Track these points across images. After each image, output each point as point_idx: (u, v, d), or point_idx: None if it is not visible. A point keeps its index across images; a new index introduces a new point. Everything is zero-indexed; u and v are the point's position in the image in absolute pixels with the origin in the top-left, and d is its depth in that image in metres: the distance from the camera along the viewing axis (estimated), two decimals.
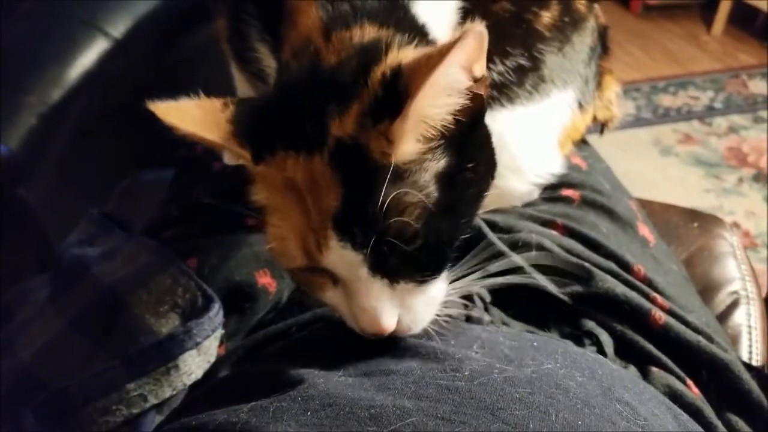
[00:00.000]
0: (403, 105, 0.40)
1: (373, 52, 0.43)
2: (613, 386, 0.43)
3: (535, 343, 0.46)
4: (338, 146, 0.41)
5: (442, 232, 0.44)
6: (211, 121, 0.42)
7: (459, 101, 0.42)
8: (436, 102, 0.41)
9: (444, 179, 0.43)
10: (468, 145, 0.44)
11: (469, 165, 0.45)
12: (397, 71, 0.41)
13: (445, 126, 0.43)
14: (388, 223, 0.41)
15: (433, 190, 0.42)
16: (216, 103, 0.43)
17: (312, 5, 0.48)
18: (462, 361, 0.42)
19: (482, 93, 0.44)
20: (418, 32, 0.48)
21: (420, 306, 0.45)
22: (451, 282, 0.49)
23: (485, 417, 0.36)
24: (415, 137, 0.42)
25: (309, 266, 0.44)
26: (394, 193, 0.41)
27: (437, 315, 0.47)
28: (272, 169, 0.43)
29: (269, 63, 0.59)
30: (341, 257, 0.42)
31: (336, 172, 0.41)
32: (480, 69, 0.42)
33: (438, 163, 0.43)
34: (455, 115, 0.43)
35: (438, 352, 0.44)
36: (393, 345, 0.45)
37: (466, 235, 0.47)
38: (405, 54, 0.43)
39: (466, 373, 0.40)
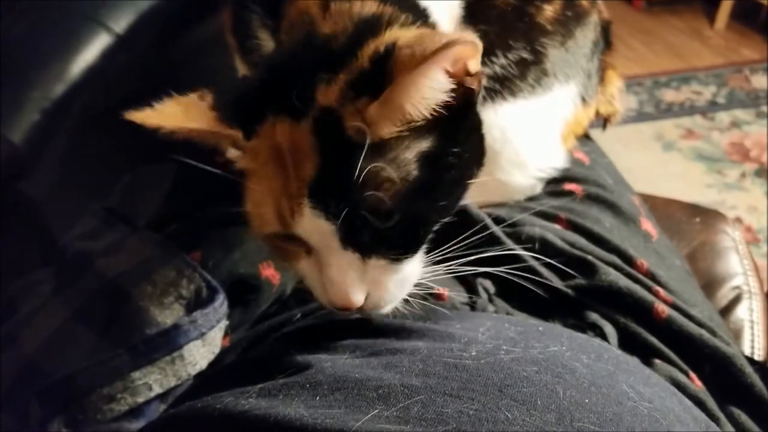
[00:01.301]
0: (384, 88, 0.40)
1: (373, 26, 0.43)
2: (619, 369, 0.43)
3: (540, 328, 0.46)
4: (322, 115, 0.42)
5: (417, 213, 0.43)
6: (193, 113, 0.43)
7: (440, 97, 0.42)
8: (415, 96, 0.41)
9: (426, 160, 0.43)
10: (455, 130, 0.44)
11: (454, 150, 0.44)
12: (390, 49, 0.41)
13: (427, 113, 0.42)
14: (363, 196, 0.41)
15: (412, 169, 0.42)
16: (192, 97, 0.44)
17: None
18: (468, 343, 0.42)
19: (474, 87, 0.44)
20: (419, 15, 0.47)
21: (390, 284, 0.45)
22: (437, 263, 0.48)
23: (493, 393, 0.36)
24: (391, 121, 0.42)
25: (282, 233, 0.44)
26: (369, 167, 0.41)
27: (409, 296, 0.47)
28: (261, 137, 0.44)
29: (270, 48, 0.59)
30: (314, 226, 0.42)
31: (317, 141, 0.41)
32: (474, 66, 0.42)
33: (420, 144, 0.43)
34: (439, 105, 0.43)
35: (444, 333, 0.44)
36: (398, 327, 0.45)
37: (446, 220, 0.47)
38: (404, 33, 0.42)
39: (473, 353, 0.40)
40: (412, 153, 0.42)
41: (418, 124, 0.42)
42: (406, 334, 0.45)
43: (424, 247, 0.46)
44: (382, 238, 0.43)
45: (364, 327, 0.46)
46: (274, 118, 0.43)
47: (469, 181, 0.47)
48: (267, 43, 0.59)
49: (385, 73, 0.40)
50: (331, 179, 0.41)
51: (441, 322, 0.47)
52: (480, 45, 0.40)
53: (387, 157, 0.42)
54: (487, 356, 0.40)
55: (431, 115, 0.43)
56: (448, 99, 0.43)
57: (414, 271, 0.47)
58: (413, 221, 0.43)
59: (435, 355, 0.40)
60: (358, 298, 0.44)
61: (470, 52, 0.41)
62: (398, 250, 0.44)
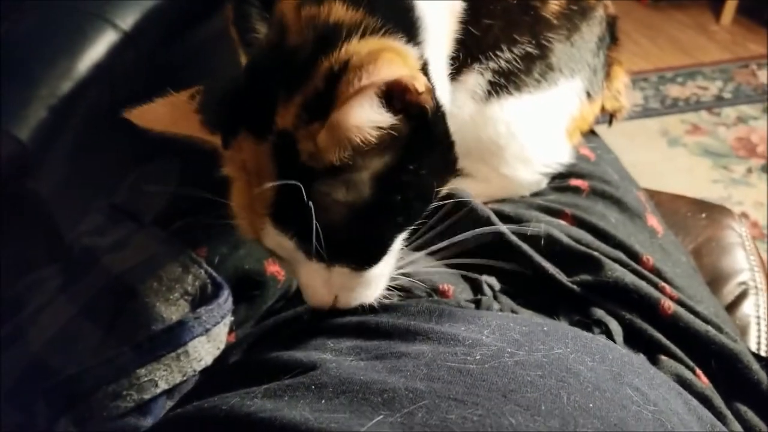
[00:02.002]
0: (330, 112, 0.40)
1: (331, 39, 0.42)
2: (623, 371, 0.43)
3: (545, 328, 0.46)
4: (279, 138, 0.42)
5: (372, 230, 0.45)
6: (180, 115, 0.43)
7: (385, 122, 0.42)
8: (356, 124, 0.41)
9: (380, 179, 0.43)
10: (413, 147, 0.44)
11: (411, 166, 0.44)
12: (344, 68, 0.39)
13: (373, 138, 0.42)
14: (317, 218, 0.42)
15: (364, 189, 0.43)
16: (183, 96, 0.44)
17: None
18: (472, 346, 0.42)
19: (427, 104, 0.43)
20: (395, 14, 0.46)
21: (357, 287, 0.48)
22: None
23: (497, 399, 0.37)
24: (340, 147, 0.41)
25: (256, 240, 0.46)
26: (321, 192, 0.42)
27: (388, 289, 0.49)
28: (234, 149, 0.44)
29: None
30: (278, 242, 0.45)
31: (274, 163, 0.42)
32: (421, 85, 0.42)
33: (373, 164, 0.43)
34: (388, 127, 0.42)
35: (448, 336, 0.44)
36: (403, 329, 0.46)
37: (410, 228, 0.48)
38: (362, 47, 0.41)
39: (477, 357, 0.40)
40: (365, 174, 0.43)
41: (369, 147, 0.42)
42: (411, 337, 0.45)
43: (390, 253, 0.48)
44: (340, 252, 0.45)
45: (369, 328, 0.47)
46: (245, 133, 0.44)
47: (432, 193, 0.47)
48: None
49: (334, 96, 0.40)
50: (287, 203, 0.42)
51: (445, 323, 0.47)
52: (418, 75, 0.40)
53: (338, 179, 0.42)
54: (491, 360, 0.40)
55: (381, 138, 0.42)
56: (395, 122, 0.42)
57: (383, 272, 0.48)
58: (369, 237, 0.45)
59: (439, 359, 0.41)
60: (325, 301, 0.48)
61: (406, 78, 0.40)
62: (358, 261, 0.46)
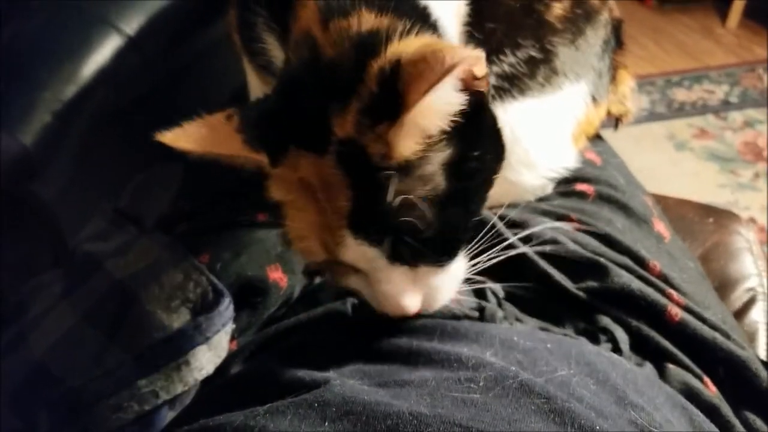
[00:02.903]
0: (400, 111, 0.40)
1: (372, 45, 0.42)
2: (627, 391, 0.43)
3: (548, 346, 0.46)
4: (342, 147, 0.41)
5: (452, 220, 0.44)
6: (220, 136, 0.42)
7: (455, 109, 0.42)
8: (432, 114, 0.41)
9: (450, 169, 0.43)
10: (472, 133, 0.44)
11: (475, 153, 0.45)
12: (396, 67, 0.40)
13: (444, 126, 0.43)
14: (399, 218, 0.41)
15: (440, 180, 0.43)
16: (219, 117, 0.43)
17: None
18: (476, 368, 0.42)
19: (483, 89, 0.44)
20: (418, 17, 0.46)
21: (441, 285, 0.47)
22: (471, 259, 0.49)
23: (502, 426, 0.37)
24: (413, 140, 0.42)
25: (331, 260, 0.45)
26: (401, 190, 0.41)
27: (458, 292, 0.49)
28: (287, 169, 0.43)
29: (277, 54, 0.59)
30: (359, 252, 0.43)
31: (344, 173, 0.42)
32: (480, 70, 0.42)
33: (442, 154, 0.43)
34: (455, 115, 0.43)
35: (452, 357, 0.44)
36: (406, 351, 0.46)
37: (477, 218, 0.48)
38: (405, 46, 0.41)
39: (481, 384, 0.40)
40: (435, 166, 0.43)
41: (438, 138, 0.43)
42: (413, 360, 0.45)
43: (463, 247, 0.47)
44: (424, 249, 0.44)
45: (371, 349, 0.46)
46: (296, 150, 0.43)
47: (493, 178, 0.47)
48: (273, 47, 0.59)
49: (396, 95, 0.40)
50: (366, 209, 0.42)
51: (448, 342, 0.47)
52: (482, 54, 0.40)
53: (414, 176, 0.42)
54: (495, 386, 0.40)
55: (448, 126, 0.43)
56: (461, 107, 0.43)
57: (460, 267, 0.48)
58: (450, 228, 0.44)
59: (443, 388, 0.40)
60: (413, 306, 0.46)
61: (475, 63, 0.40)
62: (441, 256, 0.45)
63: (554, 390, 0.40)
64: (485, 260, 0.50)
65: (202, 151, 0.41)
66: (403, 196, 0.41)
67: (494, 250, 0.50)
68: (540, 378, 0.41)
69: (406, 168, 0.42)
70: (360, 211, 0.42)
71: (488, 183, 0.47)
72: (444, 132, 0.42)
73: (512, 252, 0.53)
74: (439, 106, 0.41)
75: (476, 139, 0.45)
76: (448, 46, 0.39)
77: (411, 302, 0.46)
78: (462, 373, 0.42)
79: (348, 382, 0.42)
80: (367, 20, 0.44)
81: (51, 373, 0.53)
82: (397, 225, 0.42)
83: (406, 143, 0.41)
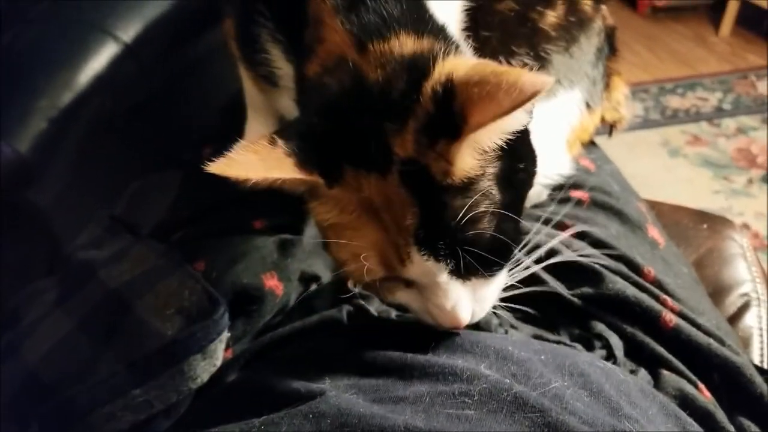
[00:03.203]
0: (460, 128, 0.41)
1: (421, 67, 0.44)
2: (620, 402, 0.43)
3: (542, 357, 0.46)
4: (405, 167, 0.42)
5: (508, 230, 0.45)
6: (271, 161, 0.42)
7: (519, 127, 0.43)
8: (497, 133, 0.43)
9: (502, 181, 0.44)
10: (518, 145, 0.45)
11: (521, 165, 0.46)
12: (449, 87, 0.42)
13: (502, 143, 0.44)
14: (466, 233, 0.43)
15: (495, 193, 0.44)
16: (263, 143, 0.43)
17: (334, 18, 0.48)
18: (471, 381, 0.42)
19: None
20: (444, 37, 0.48)
21: (489, 296, 0.48)
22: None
23: None
24: (473, 156, 0.43)
25: (386, 278, 0.45)
26: (466, 206, 0.42)
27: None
28: (345, 189, 0.44)
29: (281, 65, 0.59)
30: (423, 268, 0.44)
31: (408, 191, 0.43)
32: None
33: (495, 168, 0.44)
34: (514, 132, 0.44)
35: (447, 370, 0.44)
36: (400, 364, 0.46)
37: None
38: (453, 67, 0.43)
39: (475, 398, 0.41)
40: (491, 179, 0.44)
41: (494, 154, 0.44)
42: (408, 374, 0.45)
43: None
44: (482, 261, 0.45)
45: (366, 362, 0.46)
46: (354, 171, 0.43)
47: (532, 186, 0.49)
48: (277, 59, 0.59)
49: (454, 113, 0.41)
50: (433, 225, 0.43)
51: (443, 353, 0.47)
52: (552, 80, 0.41)
53: (475, 190, 0.43)
54: (489, 400, 0.40)
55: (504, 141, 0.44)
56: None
57: (503, 278, 0.49)
58: (504, 240, 0.45)
59: (437, 404, 0.41)
60: (466, 318, 0.47)
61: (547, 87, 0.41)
62: (494, 267, 0.46)
63: (548, 403, 0.40)
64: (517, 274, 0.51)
65: (257, 178, 0.41)
66: (467, 212, 0.42)
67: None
68: (534, 391, 0.41)
69: (468, 184, 0.43)
70: (426, 227, 0.43)
71: (528, 190, 0.49)
72: (498, 146, 0.44)
73: (525, 272, 0.53)
74: (505, 127, 0.42)
75: (521, 151, 0.46)
76: (517, 71, 0.40)
77: (466, 314, 0.47)
78: (456, 386, 0.42)
79: (344, 394, 0.42)
80: (408, 44, 0.45)
81: (44, 382, 0.52)
82: (462, 239, 0.43)
83: (468, 160, 0.43)
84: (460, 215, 0.42)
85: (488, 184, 0.44)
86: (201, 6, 0.96)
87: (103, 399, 0.49)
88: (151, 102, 0.96)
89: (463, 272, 0.45)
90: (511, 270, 0.50)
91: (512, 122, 0.42)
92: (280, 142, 0.43)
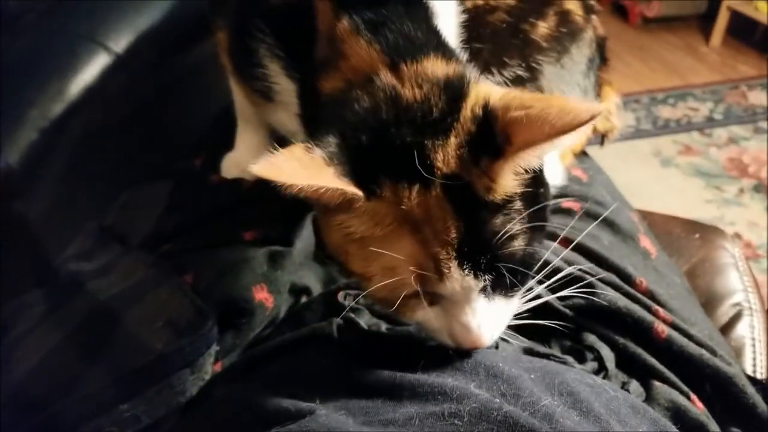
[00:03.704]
0: (503, 148, 0.42)
1: (456, 89, 0.46)
2: (610, 422, 0.43)
3: (532, 376, 0.46)
4: (448, 181, 0.43)
5: (533, 251, 0.46)
6: (313, 170, 0.42)
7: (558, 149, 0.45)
8: (539, 155, 0.44)
9: (528, 199, 0.45)
10: (540, 170, 0.47)
11: (542, 189, 0.47)
12: (487, 111, 0.44)
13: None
14: (504, 250, 0.44)
15: (524, 211, 0.45)
16: (300, 149, 0.43)
17: (356, 37, 0.48)
18: (460, 400, 0.42)
19: None
20: (465, 63, 0.49)
21: (505, 318, 0.49)
22: None
23: None
24: (514, 177, 0.44)
25: (415, 293, 0.45)
26: (505, 223, 0.43)
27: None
28: (384, 202, 0.44)
29: (280, 81, 0.58)
30: (462, 283, 0.44)
31: (451, 206, 0.43)
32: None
33: (526, 189, 0.45)
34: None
35: (436, 389, 0.44)
36: (389, 384, 0.45)
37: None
38: (485, 91, 0.45)
39: (465, 419, 0.40)
40: (523, 199, 0.45)
41: (529, 175, 0.45)
42: (397, 394, 0.44)
43: None
44: (509, 280, 0.45)
45: (354, 383, 0.46)
46: (394, 184, 0.43)
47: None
48: (276, 74, 0.58)
49: (496, 134, 0.43)
50: (475, 241, 0.43)
51: (432, 371, 0.47)
52: (603, 108, 0.42)
53: (512, 208, 0.44)
54: (479, 420, 0.40)
55: None
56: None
57: (518, 300, 0.49)
58: (530, 259, 0.46)
59: (427, 426, 0.40)
60: (488, 339, 0.47)
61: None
62: (516, 286, 0.47)
63: (539, 424, 0.40)
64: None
65: (303, 185, 0.40)
66: (506, 229, 0.43)
67: None
68: (524, 411, 0.41)
69: (506, 202, 0.44)
70: (469, 243, 0.43)
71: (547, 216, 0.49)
72: (531, 169, 0.45)
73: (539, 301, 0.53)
74: (548, 149, 0.43)
75: (541, 175, 0.47)
76: (563, 99, 0.43)
77: (489, 335, 0.47)
78: (446, 406, 0.42)
79: (333, 414, 0.41)
80: (439, 66, 0.47)
81: (31, 395, 0.52)
82: (499, 256, 0.44)
83: (508, 179, 0.44)
84: (502, 232, 0.43)
85: (521, 204, 0.45)
86: (192, 17, 0.96)
87: (91, 413, 0.48)
88: (142, 113, 0.95)
89: (492, 290, 0.46)
90: (523, 296, 0.51)
91: (557, 144, 0.43)
92: (317, 151, 0.43)
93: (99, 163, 0.95)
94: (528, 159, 0.44)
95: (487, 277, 0.44)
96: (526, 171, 0.44)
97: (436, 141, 0.43)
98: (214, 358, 0.53)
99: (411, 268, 0.44)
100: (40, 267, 0.82)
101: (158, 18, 0.95)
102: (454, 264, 0.43)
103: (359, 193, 0.43)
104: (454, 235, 0.43)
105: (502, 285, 0.46)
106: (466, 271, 0.43)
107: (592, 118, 0.40)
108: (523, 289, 0.48)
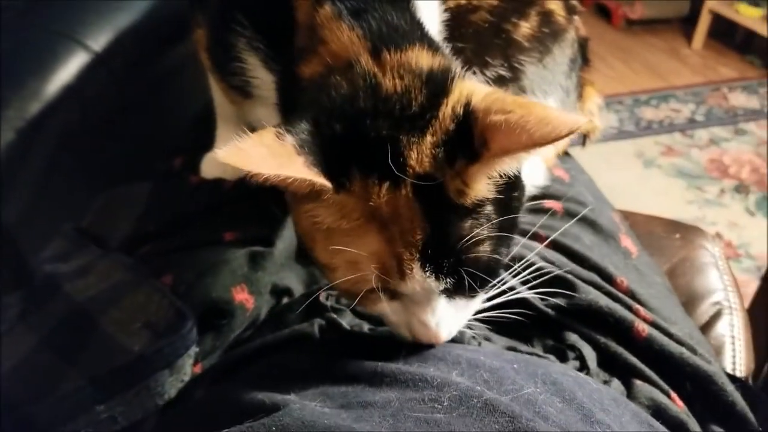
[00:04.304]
0: (480, 152, 0.42)
1: (439, 83, 0.44)
2: (593, 409, 0.43)
3: (515, 366, 0.46)
4: (419, 180, 0.42)
5: (502, 255, 0.46)
6: (282, 158, 0.40)
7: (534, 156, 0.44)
8: (516, 163, 0.44)
9: (500, 206, 0.45)
10: (516, 176, 0.46)
11: (515, 194, 0.46)
12: (468, 111, 0.43)
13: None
14: (469, 254, 0.43)
15: (494, 218, 0.44)
16: (270, 135, 0.41)
17: (338, 22, 0.47)
18: (441, 387, 0.42)
19: None
20: (450, 57, 0.49)
21: (466, 315, 0.49)
22: None
23: None
24: (488, 182, 0.44)
25: (375, 288, 0.45)
26: (473, 228, 0.43)
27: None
28: (353, 196, 0.43)
29: (259, 74, 0.58)
30: (422, 284, 0.44)
31: (420, 207, 0.42)
32: None
33: (499, 195, 0.44)
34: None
35: (417, 377, 0.43)
36: (371, 372, 0.45)
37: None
38: (469, 89, 0.44)
39: (445, 404, 0.40)
40: (494, 204, 0.44)
41: (501, 181, 0.44)
42: (378, 380, 0.44)
43: None
44: (471, 282, 0.45)
45: (335, 374, 0.46)
46: (365, 178, 0.42)
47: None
48: (255, 67, 0.57)
49: (474, 137, 0.42)
50: (441, 242, 0.43)
51: (414, 362, 0.46)
52: (584, 120, 0.42)
53: (482, 213, 0.44)
54: (459, 405, 0.40)
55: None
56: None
57: (481, 298, 0.49)
58: (496, 264, 0.46)
59: (406, 409, 0.40)
60: (446, 336, 0.47)
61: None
62: (481, 289, 0.47)
63: (519, 409, 0.39)
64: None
65: (268, 173, 0.39)
66: (473, 234, 0.43)
67: None
68: (506, 396, 0.41)
69: (477, 206, 0.43)
70: (433, 245, 0.42)
71: (519, 216, 0.49)
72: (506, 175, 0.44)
73: (514, 295, 0.53)
74: (526, 158, 0.43)
75: (517, 182, 0.47)
76: (543, 106, 0.42)
77: (446, 332, 0.47)
78: (426, 393, 0.41)
79: (309, 405, 0.41)
80: (423, 57, 0.46)
81: (6, 398, 0.51)
82: (463, 260, 0.43)
83: (484, 183, 0.43)
84: (468, 236, 0.42)
85: (492, 209, 0.44)
86: (173, 17, 0.95)
87: (67, 414, 0.48)
88: (122, 113, 0.94)
89: (453, 291, 0.45)
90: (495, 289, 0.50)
91: (534, 154, 0.42)
92: (288, 138, 0.41)
93: (77, 163, 0.93)
94: (504, 165, 0.43)
95: (448, 280, 0.44)
96: (501, 176, 0.44)
97: (411, 138, 0.43)
98: (193, 359, 0.52)
99: (373, 265, 0.43)
100: (17, 268, 0.80)
101: (138, 16, 0.93)
102: (416, 265, 0.43)
103: (328, 185, 0.42)
104: (419, 237, 0.42)
105: (463, 288, 0.45)
106: (428, 273, 0.43)
107: (570, 132, 0.39)
108: (485, 290, 0.48)
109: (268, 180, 0.39)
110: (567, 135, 0.40)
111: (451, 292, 0.46)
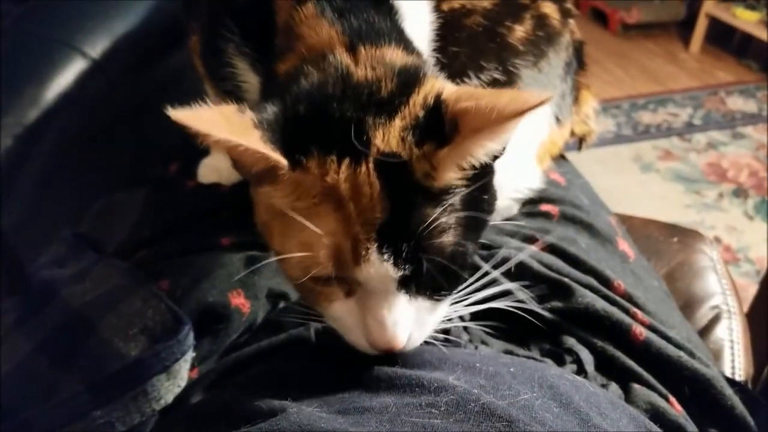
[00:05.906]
0: (451, 136, 0.41)
1: (411, 75, 0.45)
2: (590, 414, 0.42)
3: (511, 369, 0.45)
4: (384, 158, 0.41)
5: (463, 254, 0.44)
6: (237, 127, 0.40)
7: (504, 146, 0.44)
8: (491, 146, 0.42)
9: (467, 201, 0.44)
10: (486, 178, 0.45)
11: (485, 196, 0.46)
12: (438, 101, 0.43)
13: (488, 160, 0.44)
14: (430, 242, 0.41)
15: (461, 211, 0.43)
16: (231, 109, 0.41)
17: (318, 19, 0.48)
18: (438, 392, 0.42)
19: None
20: (418, 56, 0.49)
21: (429, 323, 0.46)
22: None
23: None
24: (458, 168, 0.43)
25: (329, 275, 0.43)
26: (436, 214, 0.41)
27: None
28: (309, 174, 0.42)
29: (248, 78, 0.58)
30: (377, 270, 0.41)
31: (382, 184, 0.41)
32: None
33: (466, 190, 0.43)
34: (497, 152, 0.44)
35: (414, 382, 0.43)
36: (368, 375, 0.45)
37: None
38: (440, 84, 0.45)
39: (442, 409, 0.40)
40: (459, 196, 0.43)
41: (469, 173, 0.43)
42: (374, 385, 0.44)
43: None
44: (434, 279, 0.43)
45: (333, 376, 0.45)
46: (323, 156, 0.42)
47: (494, 207, 0.48)
48: (244, 72, 0.58)
49: (443, 121, 0.42)
50: (401, 225, 0.41)
51: (411, 367, 0.46)
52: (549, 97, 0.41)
53: (447, 202, 0.42)
54: (456, 410, 0.39)
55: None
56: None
57: (445, 308, 0.47)
58: (460, 263, 0.44)
59: (403, 414, 0.40)
60: (403, 339, 0.44)
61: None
62: (443, 289, 0.45)
63: (516, 413, 0.39)
64: (467, 296, 0.50)
65: (219, 137, 0.38)
66: (435, 220, 0.41)
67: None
68: (502, 401, 0.40)
69: (442, 193, 0.42)
70: (394, 226, 0.41)
71: (491, 212, 0.48)
72: (474, 165, 0.43)
73: (495, 289, 0.52)
74: (501, 140, 0.42)
75: (487, 185, 0.46)
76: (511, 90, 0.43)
77: (404, 335, 0.44)
78: (424, 398, 0.41)
79: (306, 410, 0.41)
80: (398, 55, 0.47)
81: (3, 403, 0.50)
82: (423, 248, 0.41)
83: (450, 170, 0.42)
84: (428, 222, 0.41)
85: (459, 201, 0.43)
86: (170, 23, 0.95)
87: (62, 421, 0.47)
88: (119, 120, 0.94)
89: (413, 286, 0.44)
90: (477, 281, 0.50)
91: (504, 137, 0.42)
92: (249, 112, 0.41)
93: (75, 169, 0.93)
94: (475, 150, 0.42)
95: (407, 267, 0.41)
96: (473, 167, 0.43)
97: (378, 119, 0.42)
98: (190, 364, 0.52)
99: (327, 245, 0.41)
100: (14, 274, 0.80)
101: (135, 24, 0.94)
102: (372, 246, 0.41)
103: (282, 161, 0.41)
104: (378, 215, 0.41)
105: (426, 285, 0.44)
106: (385, 257, 0.41)
107: (540, 103, 0.39)
108: (451, 296, 0.47)
109: (219, 144, 0.38)
110: (538, 105, 0.39)
111: (411, 289, 0.44)
